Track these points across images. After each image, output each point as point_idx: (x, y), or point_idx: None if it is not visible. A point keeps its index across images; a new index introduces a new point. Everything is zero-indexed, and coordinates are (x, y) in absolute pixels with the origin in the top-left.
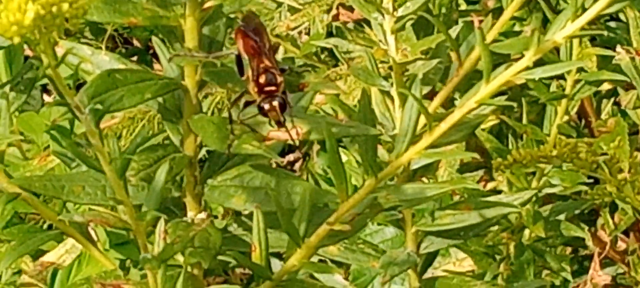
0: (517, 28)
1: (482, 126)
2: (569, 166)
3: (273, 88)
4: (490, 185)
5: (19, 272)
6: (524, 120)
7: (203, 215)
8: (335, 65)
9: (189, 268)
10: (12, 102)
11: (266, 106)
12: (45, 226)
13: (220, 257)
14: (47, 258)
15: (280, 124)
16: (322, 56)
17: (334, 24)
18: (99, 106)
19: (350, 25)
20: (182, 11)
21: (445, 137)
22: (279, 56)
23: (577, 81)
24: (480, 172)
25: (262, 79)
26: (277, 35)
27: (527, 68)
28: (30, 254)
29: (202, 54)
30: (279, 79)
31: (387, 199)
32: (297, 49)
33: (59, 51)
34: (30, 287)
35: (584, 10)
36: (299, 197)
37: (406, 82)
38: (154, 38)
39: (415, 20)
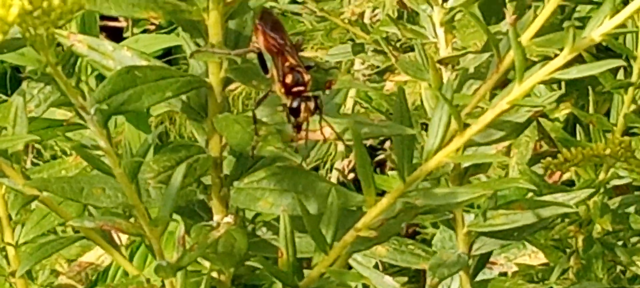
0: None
1: (555, 114)
2: (623, 165)
3: (301, 88)
4: (566, 176)
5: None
6: (591, 110)
7: (229, 218)
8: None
9: (215, 274)
10: (48, 96)
11: (296, 107)
12: None
13: (248, 263)
14: (85, 258)
15: (305, 125)
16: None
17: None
18: (105, 106)
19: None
20: (205, 5)
21: (485, 138)
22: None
23: None
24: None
25: (288, 79)
26: (348, 21)
27: (563, 67)
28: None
29: (224, 51)
30: (307, 77)
31: (415, 204)
32: (366, 35)
33: (80, 46)
34: None
35: (626, 3)
36: (327, 200)
37: (456, 77)
38: (181, 32)
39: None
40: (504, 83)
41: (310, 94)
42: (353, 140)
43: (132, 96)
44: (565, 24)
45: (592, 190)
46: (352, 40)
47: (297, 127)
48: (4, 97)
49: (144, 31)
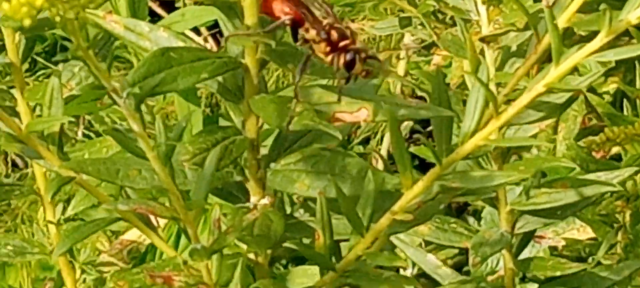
0: None
1: (604, 89)
2: None
3: (348, 41)
4: (615, 150)
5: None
6: (638, 85)
7: (266, 200)
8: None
9: (252, 256)
10: (88, 76)
11: (350, 60)
12: None
13: (285, 245)
14: (127, 236)
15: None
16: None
17: None
18: (137, 90)
19: None
20: None
21: (522, 119)
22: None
23: None
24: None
25: (333, 35)
26: None
27: (604, 47)
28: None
29: (257, 31)
30: (349, 31)
31: (451, 186)
32: (413, 8)
33: (116, 27)
34: (110, 266)
35: None
36: (364, 183)
37: (498, 55)
38: (219, 14)
39: None
40: (548, 59)
41: (357, 46)
42: (388, 121)
43: (166, 78)
44: (601, 7)
45: (636, 168)
46: (402, 11)
47: (348, 81)
48: (54, 68)
49: (197, 2)
